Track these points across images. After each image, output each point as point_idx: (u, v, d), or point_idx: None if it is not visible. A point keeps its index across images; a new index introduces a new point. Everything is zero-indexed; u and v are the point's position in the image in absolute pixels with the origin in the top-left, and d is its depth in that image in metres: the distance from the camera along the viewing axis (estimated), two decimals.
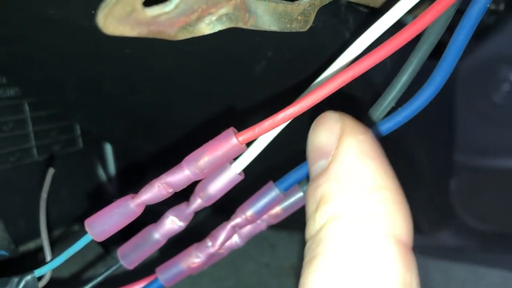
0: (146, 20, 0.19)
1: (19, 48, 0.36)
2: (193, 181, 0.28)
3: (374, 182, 0.22)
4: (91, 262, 0.49)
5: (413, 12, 0.35)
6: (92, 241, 0.31)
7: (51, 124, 0.46)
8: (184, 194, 0.31)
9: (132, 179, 0.53)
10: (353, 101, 0.38)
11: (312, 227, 0.22)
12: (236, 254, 0.59)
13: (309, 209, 0.23)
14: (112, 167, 0.52)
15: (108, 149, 0.52)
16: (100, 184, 0.52)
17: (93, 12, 0.29)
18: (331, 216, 0.22)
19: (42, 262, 0.31)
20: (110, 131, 0.47)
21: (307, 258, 0.22)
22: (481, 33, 0.62)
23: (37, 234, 0.44)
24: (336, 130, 0.24)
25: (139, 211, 0.28)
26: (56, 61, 0.37)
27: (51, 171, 0.33)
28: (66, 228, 0.50)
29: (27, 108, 0.44)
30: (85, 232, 0.50)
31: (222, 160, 0.27)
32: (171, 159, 0.33)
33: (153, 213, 0.32)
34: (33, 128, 0.44)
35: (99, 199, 0.52)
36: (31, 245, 0.44)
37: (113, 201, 0.28)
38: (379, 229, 0.21)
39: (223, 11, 0.21)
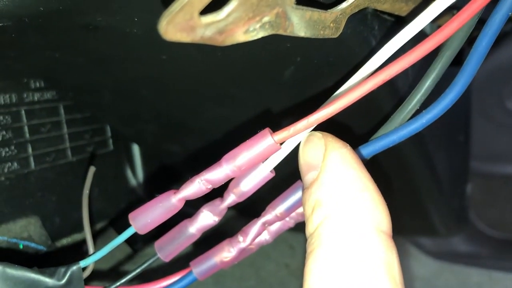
0: (201, 27, 0.21)
1: (59, 54, 0.38)
2: (230, 178, 0.30)
3: (357, 186, 0.27)
4: (121, 261, 0.51)
5: (435, 22, 0.37)
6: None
7: (84, 126, 0.48)
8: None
9: (159, 181, 0.55)
10: (377, 107, 0.40)
11: (310, 226, 0.27)
12: (256, 255, 0.60)
13: (307, 212, 0.28)
14: (140, 169, 0.54)
15: (136, 151, 0.54)
16: (128, 185, 0.54)
17: (136, 19, 0.32)
18: (325, 216, 0.26)
19: (77, 256, 0.33)
20: (141, 133, 0.49)
21: (308, 251, 0.26)
22: (496, 40, 0.63)
23: (71, 231, 0.47)
24: (321, 146, 0.28)
25: (180, 205, 0.30)
26: (95, 66, 0.39)
27: (92, 169, 0.35)
28: (96, 227, 0.51)
29: (62, 111, 0.46)
30: (117, 229, 0.52)
31: (259, 159, 0.29)
32: (198, 162, 0.34)
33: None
34: (68, 130, 0.47)
35: (127, 200, 0.54)
36: (65, 241, 0.46)
37: (156, 196, 0.30)
38: (364, 223, 0.25)
39: (266, 19, 0.23)
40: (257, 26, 0.23)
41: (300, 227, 0.67)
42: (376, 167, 0.38)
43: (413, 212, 0.57)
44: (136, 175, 0.54)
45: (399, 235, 0.73)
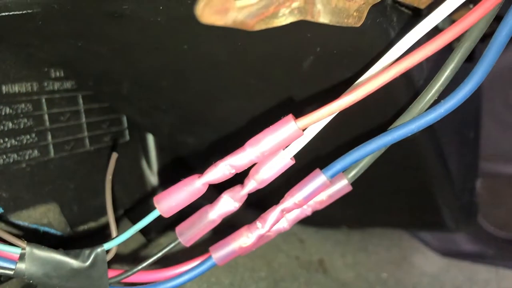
0: (234, 11, 0.21)
1: (82, 43, 0.38)
2: (253, 163, 0.30)
3: None
4: (135, 250, 0.52)
5: (450, 16, 0.37)
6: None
7: (102, 116, 0.49)
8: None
9: (173, 173, 0.56)
10: (393, 100, 0.40)
11: None
12: (267, 248, 0.61)
13: None
14: (154, 160, 0.55)
15: (151, 142, 0.55)
16: (143, 176, 0.55)
17: (161, 8, 0.32)
18: None
19: (94, 243, 0.34)
20: (158, 124, 0.50)
21: None
22: None
23: (88, 219, 0.47)
24: None
25: (204, 189, 0.31)
26: (116, 55, 0.40)
27: (114, 155, 0.36)
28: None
29: (81, 100, 0.47)
30: (132, 219, 0.52)
31: (282, 144, 0.30)
32: (213, 154, 0.35)
33: None
34: (86, 120, 0.47)
35: (142, 190, 0.55)
36: (81, 229, 0.46)
37: (180, 180, 0.31)
38: None
39: (295, 4, 0.24)
40: (287, 11, 0.24)
41: (310, 222, 0.67)
42: (390, 160, 0.38)
43: (423, 206, 0.58)
44: (151, 166, 0.55)
45: (409, 229, 0.74)
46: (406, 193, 0.56)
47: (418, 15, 0.40)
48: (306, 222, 0.69)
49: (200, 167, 0.33)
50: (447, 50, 0.45)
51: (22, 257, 0.30)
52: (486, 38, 0.31)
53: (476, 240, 0.81)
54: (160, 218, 0.33)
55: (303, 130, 0.30)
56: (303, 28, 0.33)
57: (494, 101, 0.79)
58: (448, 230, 0.66)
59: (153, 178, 0.55)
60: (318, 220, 0.68)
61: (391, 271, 0.71)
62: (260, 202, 0.40)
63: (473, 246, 0.82)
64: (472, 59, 0.36)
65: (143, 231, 0.54)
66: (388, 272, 0.71)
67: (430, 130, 0.47)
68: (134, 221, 0.34)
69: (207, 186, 0.31)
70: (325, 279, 0.61)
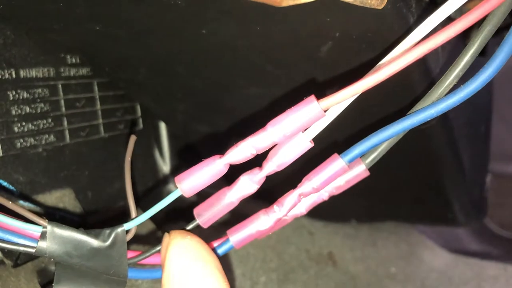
0: None
1: (101, 26, 0.39)
2: (275, 144, 0.30)
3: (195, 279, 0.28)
4: (144, 236, 0.52)
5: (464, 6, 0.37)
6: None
7: (116, 104, 0.49)
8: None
9: (185, 162, 0.56)
10: (409, 88, 0.41)
11: None
12: (278, 240, 0.61)
13: None
14: (166, 149, 0.55)
15: (164, 131, 0.55)
16: (155, 164, 0.55)
17: None
18: None
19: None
20: (172, 111, 0.50)
21: None
22: None
23: (102, 206, 0.47)
24: (166, 245, 0.31)
25: (225, 170, 0.31)
26: (134, 40, 0.40)
27: (133, 138, 0.36)
28: (122, 204, 0.52)
29: (96, 87, 0.47)
30: (143, 207, 0.52)
31: (304, 125, 0.30)
32: (225, 142, 0.35)
33: None
34: (101, 107, 0.48)
35: (154, 178, 0.55)
36: (97, 214, 0.46)
37: (202, 160, 0.31)
38: None
39: None
40: None
41: (319, 215, 0.67)
42: (402, 150, 0.38)
43: (434, 199, 0.58)
44: (163, 155, 0.55)
45: (419, 223, 0.74)
46: (417, 185, 0.56)
47: (434, 3, 0.40)
48: (315, 215, 0.69)
49: (211, 155, 0.33)
50: (461, 43, 0.45)
51: (43, 236, 0.30)
52: (499, 32, 0.32)
53: (482, 240, 0.81)
54: (168, 206, 0.33)
55: (325, 112, 0.30)
56: (322, 13, 0.33)
57: (501, 101, 0.79)
58: (458, 225, 0.66)
59: (165, 167, 0.55)
60: (327, 213, 0.68)
61: (399, 266, 0.71)
62: (272, 192, 0.40)
63: (478, 245, 0.82)
64: (484, 54, 0.36)
65: (154, 219, 0.55)
66: (397, 266, 0.71)
67: (444, 119, 0.47)
68: (146, 210, 0.34)
69: (228, 167, 0.31)
70: (335, 272, 0.62)
